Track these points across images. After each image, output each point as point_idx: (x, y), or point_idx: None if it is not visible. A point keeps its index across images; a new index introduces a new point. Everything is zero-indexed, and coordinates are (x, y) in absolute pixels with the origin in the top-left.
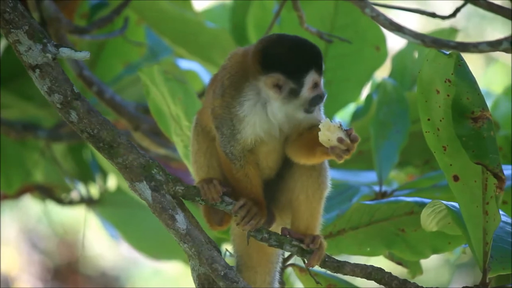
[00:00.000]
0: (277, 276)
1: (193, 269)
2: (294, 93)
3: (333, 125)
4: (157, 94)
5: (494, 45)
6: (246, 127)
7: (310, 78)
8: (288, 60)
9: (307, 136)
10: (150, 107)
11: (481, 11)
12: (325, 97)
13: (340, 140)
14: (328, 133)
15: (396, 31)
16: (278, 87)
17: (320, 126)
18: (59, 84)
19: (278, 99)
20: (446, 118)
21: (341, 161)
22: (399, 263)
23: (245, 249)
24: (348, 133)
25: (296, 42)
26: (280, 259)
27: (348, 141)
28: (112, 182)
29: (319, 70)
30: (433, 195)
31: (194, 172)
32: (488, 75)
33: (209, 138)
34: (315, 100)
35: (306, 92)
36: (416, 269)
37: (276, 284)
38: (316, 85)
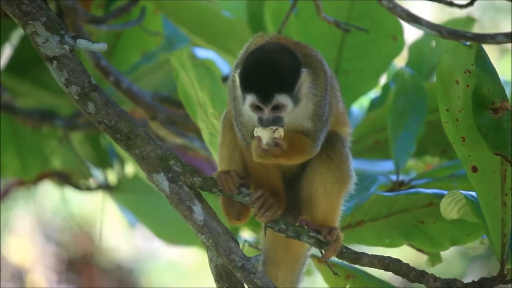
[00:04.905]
0: (301, 278)
1: (210, 260)
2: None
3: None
4: (185, 79)
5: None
6: (243, 109)
7: (249, 98)
8: (243, 69)
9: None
10: (179, 90)
11: (496, 2)
12: (272, 123)
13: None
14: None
15: (413, 22)
16: None
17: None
18: (76, 75)
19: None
20: (465, 108)
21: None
22: (419, 250)
23: (272, 243)
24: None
25: (262, 60)
26: (307, 262)
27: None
28: (130, 168)
29: (262, 99)
30: (451, 184)
31: (218, 164)
32: (502, 66)
33: (234, 130)
34: (259, 121)
35: (247, 107)
36: (435, 258)
37: (299, 286)
38: (257, 108)
